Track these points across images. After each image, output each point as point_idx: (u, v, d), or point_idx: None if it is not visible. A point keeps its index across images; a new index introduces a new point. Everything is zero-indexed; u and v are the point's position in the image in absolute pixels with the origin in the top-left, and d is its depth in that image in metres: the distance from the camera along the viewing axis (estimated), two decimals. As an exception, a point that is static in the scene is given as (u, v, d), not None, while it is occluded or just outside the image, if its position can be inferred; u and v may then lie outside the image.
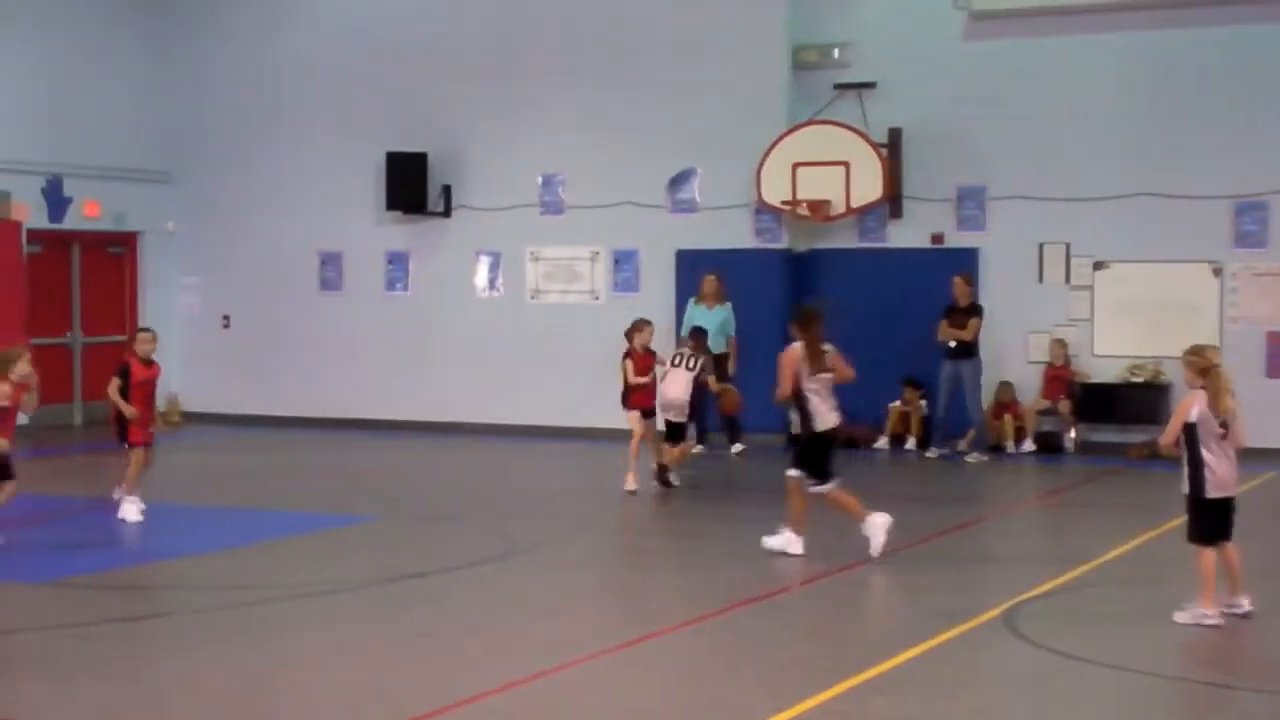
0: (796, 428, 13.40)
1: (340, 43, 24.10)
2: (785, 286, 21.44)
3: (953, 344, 19.95)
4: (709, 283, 20.79)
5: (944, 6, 21.05)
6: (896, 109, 21.15)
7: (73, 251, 24.51)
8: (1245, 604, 10.82)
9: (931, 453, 20.18)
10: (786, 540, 13.25)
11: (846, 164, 20.78)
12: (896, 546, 13.48)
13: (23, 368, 13.66)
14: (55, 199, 23.74)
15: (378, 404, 23.66)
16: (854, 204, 20.92)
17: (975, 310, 20.11)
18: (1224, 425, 10.58)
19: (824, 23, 21.64)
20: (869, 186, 20.83)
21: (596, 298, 22.54)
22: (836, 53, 21.55)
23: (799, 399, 13.19)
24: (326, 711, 8.73)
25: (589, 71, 22.43)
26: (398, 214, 23.53)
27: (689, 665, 9.83)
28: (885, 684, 9.19)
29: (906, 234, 21.36)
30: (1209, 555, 10.68)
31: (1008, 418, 20.50)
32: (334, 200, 24.12)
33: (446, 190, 23.38)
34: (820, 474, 13.22)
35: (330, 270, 24.38)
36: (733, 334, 20.64)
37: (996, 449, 20.36)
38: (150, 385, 15.61)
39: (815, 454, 13.24)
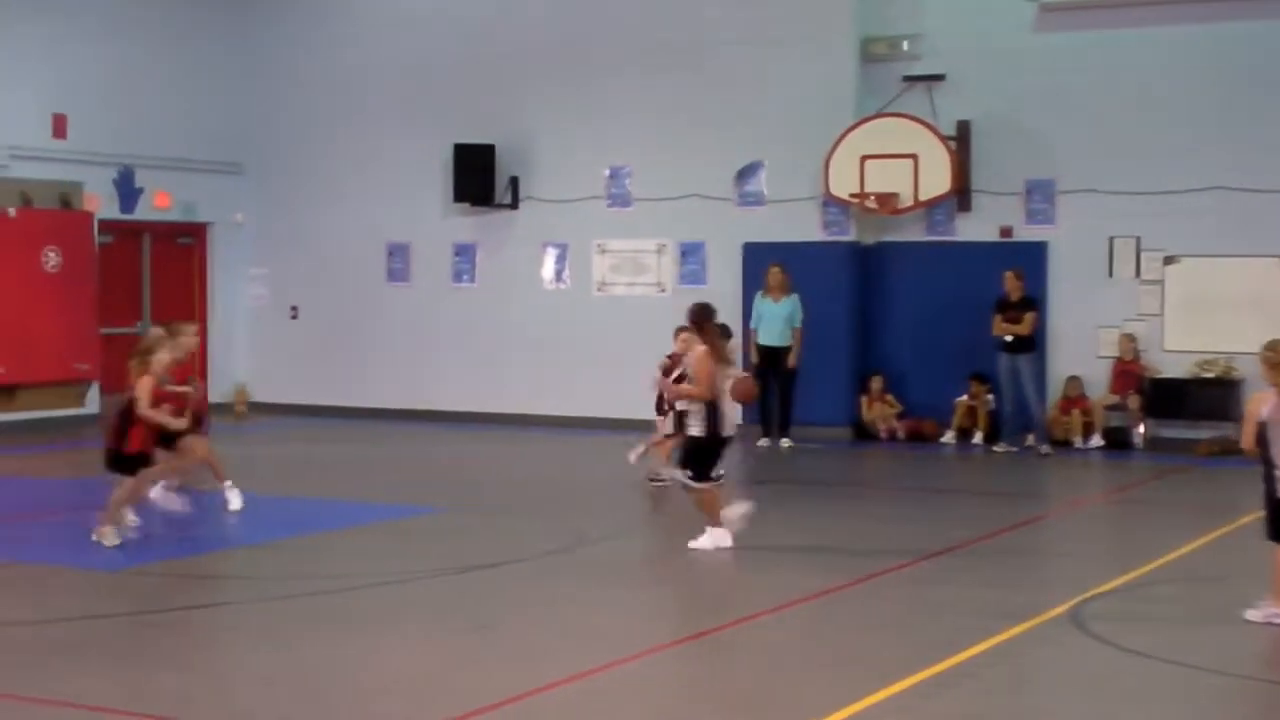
0: (699, 429, 13.14)
1: (410, 35, 24.18)
2: (853, 279, 21.41)
3: (1009, 338, 19.86)
4: (774, 274, 20.79)
5: (1014, -2, 20.95)
6: (965, 101, 21.04)
7: (143, 242, 24.71)
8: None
9: (998, 448, 20.08)
10: (715, 537, 13.18)
11: (915, 157, 20.69)
12: (962, 541, 13.44)
13: (186, 343, 14.05)
14: (126, 190, 23.93)
15: (444, 395, 23.74)
16: (922, 197, 20.83)
17: (1029, 304, 20.00)
18: None
19: (893, 15, 21.55)
20: (937, 179, 20.73)
21: (663, 290, 22.54)
22: (905, 45, 21.46)
23: (711, 401, 13.04)
24: (393, 703, 8.77)
25: (657, 64, 22.41)
26: (465, 206, 23.60)
27: (751, 660, 9.82)
28: (950, 680, 9.15)
29: (975, 227, 21.24)
30: None
31: (1076, 413, 20.36)
32: (402, 192, 24.22)
33: (514, 182, 23.43)
34: (703, 475, 13.11)
35: (398, 262, 24.48)
36: (799, 325, 20.62)
37: (1064, 444, 20.23)
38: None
39: (709, 456, 13.14)
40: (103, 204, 23.45)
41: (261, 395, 25.17)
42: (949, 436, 20.84)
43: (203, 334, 25.21)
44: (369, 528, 14.20)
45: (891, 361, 21.50)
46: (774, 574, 12.42)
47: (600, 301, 23.01)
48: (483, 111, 23.46)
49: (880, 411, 21.20)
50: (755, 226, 21.86)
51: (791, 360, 20.62)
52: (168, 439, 13.91)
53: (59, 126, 22.96)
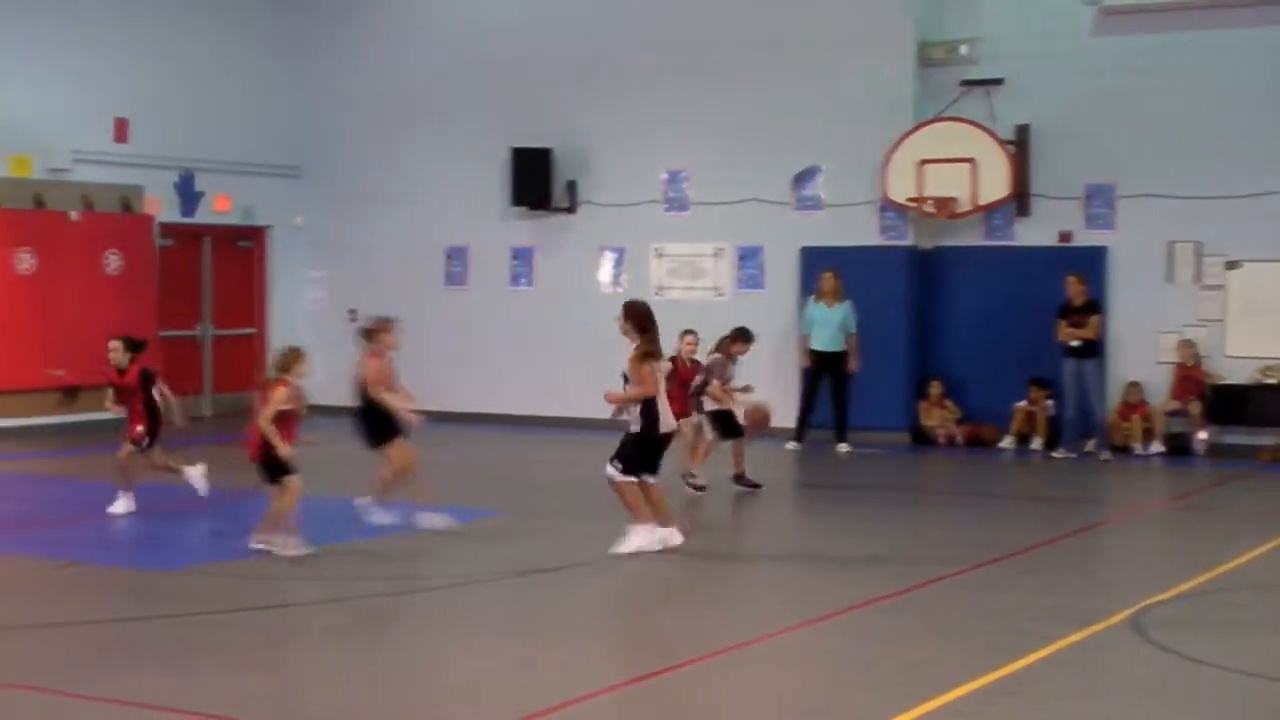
0: (636, 426, 13.07)
1: (468, 40, 24.26)
2: (910, 284, 21.36)
3: (1074, 343, 19.74)
4: (827, 280, 20.81)
5: (1073, 2, 20.82)
6: (1024, 105, 20.96)
7: (203, 245, 24.88)
8: None
9: (1058, 453, 19.97)
10: (640, 538, 13.04)
11: (973, 161, 20.63)
12: (1022, 547, 13.38)
13: (302, 369, 13.28)
14: (187, 193, 24.11)
15: (501, 398, 23.80)
16: (980, 201, 20.77)
17: (1094, 308, 19.90)
18: None
19: (951, 19, 21.49)
20: (996, 184, 20.66)
21: (721, 294, 22.53)
22: (964, 49, 21.40)
23: (650, 399, 12.99)
24: (455, 705, 8.79)
25: (714, 68, 22.41)
26: (523, 209, 23.66)
27: (812, 663, 9.80)
28: (1011, 686, 9.10)
29: (1034, 232, 21.15)
30: None
31: (1136, 418, 20.24)
32: (460, 195, 24.31)
33: (571, 186, 23.47)
34: (631, 469, 13.07)
35: (456, 265, 24.57)
36: (853, 331, 20.59)
37: (1124, 450, 20.10)
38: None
39: (644, 451, 13.12)
40: (163, 207, 23.65)
41: (320, 397, 25.20)
42: (1007, 442, 20.74)
43: (261, 337, 25.49)
44: (429, 531, 14.22)
45: (950, 366, 21.43)
46: (833, 579, 12.38)
47: (657, 305, 22.80)
48: (541, 115, 23.52)
49: (939, 417, 21.13)
50: (813, 231, 21.83)
51: (852, 365, 20.59)
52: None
53: (120, 130, 23.17)
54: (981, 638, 10.41)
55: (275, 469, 12.98)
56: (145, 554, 13.19)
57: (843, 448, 20.48)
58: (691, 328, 17.29)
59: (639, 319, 13.37)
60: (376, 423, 14.33)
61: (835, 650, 10.12)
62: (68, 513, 15.62)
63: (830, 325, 20.72)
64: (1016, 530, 14.61)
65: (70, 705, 8.63)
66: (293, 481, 12.94)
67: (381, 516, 14.32)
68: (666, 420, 13.19)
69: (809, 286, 21.37)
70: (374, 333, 14.66)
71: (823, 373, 20.75)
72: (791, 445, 20.60)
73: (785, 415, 21.35)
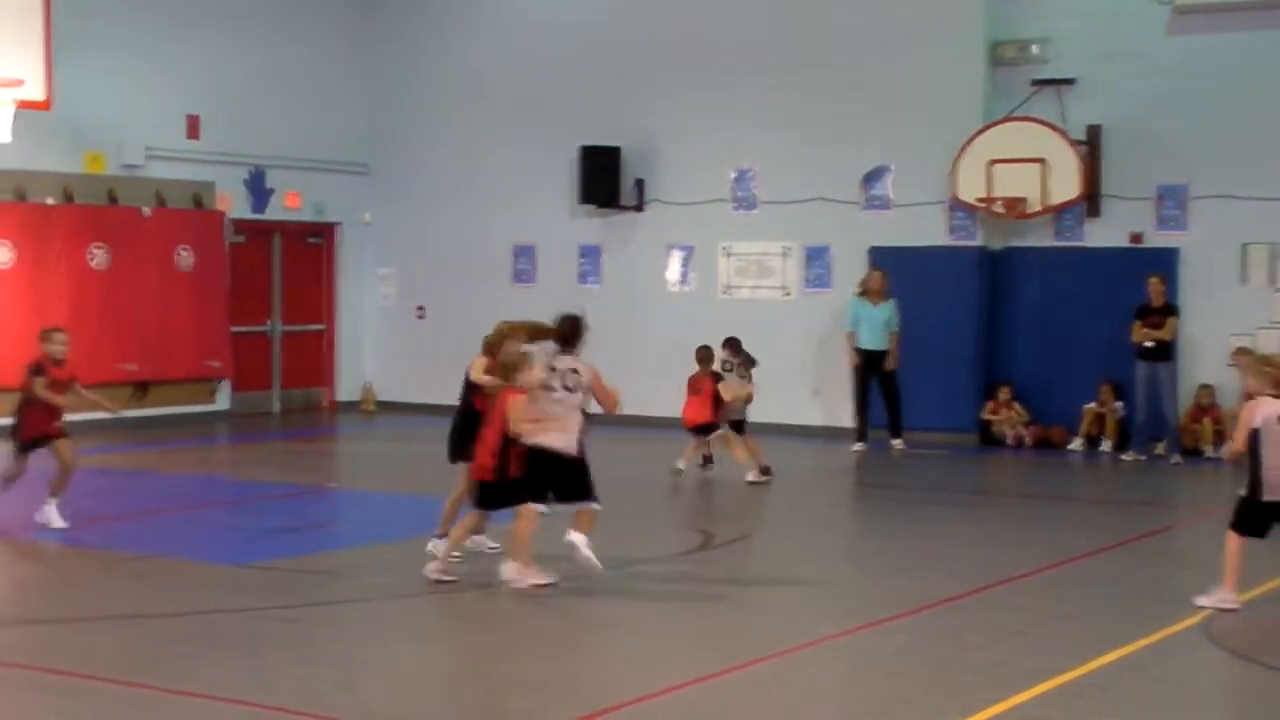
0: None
1: (537, 38, 24.32)
2: (979, 285, 21.26)
3: (1149, 345, 19.60)
4: (874, 278, 20.93)
5: (1146, 1, 20.66)
6: (1096, 105, 20.82)
7: (273, 241, 25.05)
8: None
9: (1127, 455, 19.84)
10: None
11: (1043, 161, 20.51)
12: (1091, 550, 13.31)
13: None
14: (258, 190, 24.29)
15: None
16: (1051, 202, 20.65)
17: (1171, 310, 19.75)
18: None
19: (1022, 18, 21.37)
20: (1066, 184, 20.53)
21: (788, 294, 22.50)
22: (1035, 48, 21.27)
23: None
24: (525, 700, 8.82)
25: (783, 66, 22.37)
26: (591, 207, 23.70)
27: (877, 666, 9.79)
28: (1081, 689, 9.07)
29: (1104, 233, 21.01)
30: (1238, 543, 11.03)
31: (1207, 421, 20.06)
32: (528, 193, 24.37)
33: (639, 184, 23.50)
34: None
35: (523, 262, 24.64)
36: (896, 330, 20.68)
37: (1194, 453, 19.94)
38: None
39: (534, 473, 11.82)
40: (234, 204, 23.82)
41: (388, 394, 25.43)
42: (1076, 444, 20.61)
43: (330, 333, 25.65)
44: (495, 527, 14.26)
45: (1018, 367, 21.32)
46: (900, 580, 12.36)
47: (725, 304, 23.00)
48: (609, 113, 23.55)
49: (1006, 418, 21.03)
50: (881, 230, 21.77)
51: (890, 363, 20.69)
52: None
53: (193, 127, 23.36)
54: (1051, 639, 10.37)
55: (504, 494, 11.70)
56: (218, 548, 13.29)
57: (897, 444, 20.48)
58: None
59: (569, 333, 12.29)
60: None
61: (903, 651, 10.10)
62: (141, 506, 15.77)
63: (876, 324, 20.82)
64: (1085, 533, 14.53)
65: (147, 697, 8.72)
66: (529, 509, 11.60)
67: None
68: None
69: (867, 285, 21.27)
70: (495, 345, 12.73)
71: (870, 370, 20.86)
72: (858, 447, 20.56)
73: (849, 416, 21.42)
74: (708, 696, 8.94)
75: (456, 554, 11.93)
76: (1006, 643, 10.31)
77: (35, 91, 19.64)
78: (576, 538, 11.62)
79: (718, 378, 17.92)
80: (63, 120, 20.89)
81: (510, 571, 11.50)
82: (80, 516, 14.71)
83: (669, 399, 23.07)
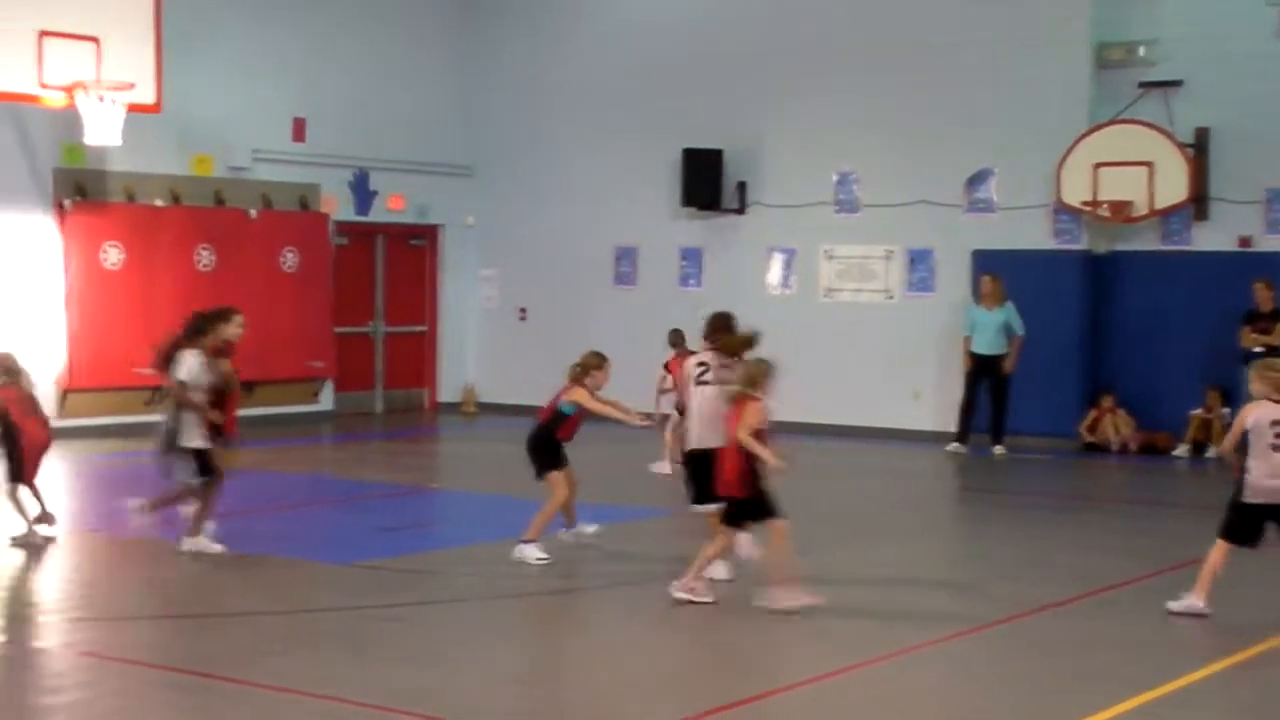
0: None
1: (639, 41, 24.36)
2: (1083, 289, 21.07)
3: (1257, 350, 19.34)
4: (986, 283, 20.83)
5: (1255, 3, 20.40)
6: (1204, 108, 20.56)
7: (377, 243, 25.24)
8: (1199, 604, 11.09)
9: (1234, 462, 19.57)
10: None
11: (1150, 164, 20.29)
12: (1196, 558, 13.14)
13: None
14: (361, 192, 24.48)
15: (668, 399, 23.78)
16: (1157, 205, 20.43)
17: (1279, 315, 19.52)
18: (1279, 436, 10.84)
19: (1129, 20, 21.15)
20: (1173, 187, 20.30)
21: (890, 297, 22.40)
22: (1142, 50, 21.03)
23: None
24: (626, 702, 8.85)
25: (886, 69, 22.28)
26: (692, 210, 23.70)
27: (979, 672, 9.73)
28: (1182, 700, 8.99)
29: (1212, 236, 20.75)
30: (1222, 549, 11.06)
31: (1316, 428, 19.75)
32: (630, 196, 24.42)
33: (741, 187, 23.48)
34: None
35: (625, 265, 24.69)
36: (1020, 334, 20.54)
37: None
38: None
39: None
40: (339, 206, 24.04)
41: (490, 396, 25.55)
42: (1181, 450, 20.37)
43: (432, 335, 25.83)
44: (597, 530, 14.29)
45: (1123, 372, 21.09)
46: (998, 585, 12.28)
47: (826, 308, 22.93)
48: (711, 116, 23.54)
49: (1110, 423, 20.82)
50: (984, 234, 21.62)
51: (1008, 366, 20.54)
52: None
53: (298, 130, 23.59)
54: (1152, 649, 10.27)
55: (756, 509, 11.26)
56: (323, 547, 13.41)
57: (998, 450, 20.38)
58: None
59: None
60: (545, 450, 13.25)
61: (1002, 657, 10.04)
62: (247, 505, 15.93)
63: (989, 328, 20.68)
64: (1189, 540, 14.34)
65: (254, 694, 8.83)
66: (778, 523, 11.19)
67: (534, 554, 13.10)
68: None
69: (979, 290, 21.18)
70: (588, 368, 13.59)
71: (982, 375, 20.72)
72: (953, 446, 20.52)
73: (953, 418, 21.30)
74: (808, 700, 8.92)
75: (724, 576, 11.78)
76: (1109, 650, 10.21)
77: (145, 95, 19.91)
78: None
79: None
80: (171, 123, 21.17)
81: (782, 597, 11.02)
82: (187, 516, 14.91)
83: (771, 401, 23.07)
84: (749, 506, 11.20)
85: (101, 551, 13.51)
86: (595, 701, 8.91)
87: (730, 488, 11.21)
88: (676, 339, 18.50)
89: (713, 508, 11.75)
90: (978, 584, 12.53)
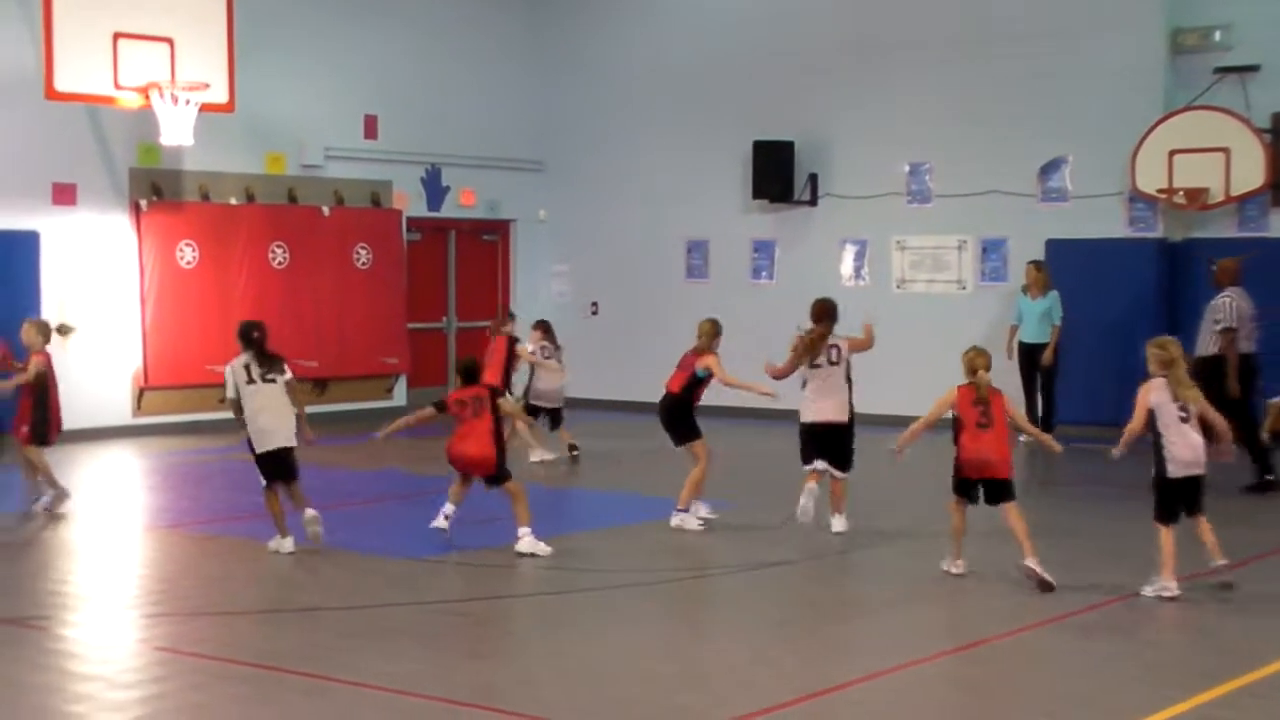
0: None
1: (710, 33, 24.34)
2: (1159, 277, 20.87)
3: None
4: (1029, 272, 20.80)
5: (1333, -14, 20.18)
6: (1281, 93, 20.36)
7: (449, 238, 25.34)
8: (1218, 562, 11.51)
9: (1315, 450, 19.34)
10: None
11: (1226, 150, 20.07)
12: (1273, 548, 13.00)
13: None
14: (434, 188, 24.58)
15: (741, 392, 23.74)
16: (1233, 192, 20.21)
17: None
18: (1184, 410, 11.40)
19: (1204, 4, 20.92)
20: (1250, 174, 20.08)
21: (964, 287, 22.27)
22: (1218, 35, 20.79)
23: None
24: (691, 696, 8.84)
25: (957, 57, 22.16)
26: (764, 202, 23.66)
27: (1054, 661, 9.66)
28: (1262, 690, 8.89)
29: (1289, 222, 20.55)
30: (1167, 533, 11.39)
31: (1397, 416, 19.49)
32: (701, 188, 24.40)
33: (813, 179, 23.41)
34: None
35: (696, 258, 24.67)
36: (1058, 323, 20.52)
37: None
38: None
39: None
40: (411, 202, 24.15)
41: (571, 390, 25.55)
42: (1265, 438, 20.07)
43: (506, 329, 25.87)
44: (661, 523, 14.30)
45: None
46: (1070, 577, 12.16)
47: (900, 298, 22.83)
48: (783, 108, 23.49)
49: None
50: (1058, 223, 21.46)
51: (1047, 357, 20.51)
52: None
53: (370, 127, 23.71)
54: (1232, 639, 10.16)
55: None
56: (394, 542, 13.47)
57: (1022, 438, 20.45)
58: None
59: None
60: (685, 419, 14.59)
61: (1077, 648, 9.96)
62: (321, 500, 16.01)
63: (1033, 317, 20.70)
64: (1267, 529, 14.21)
65: (325, 688, 8.88)
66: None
67: (693, 520, 14.16)
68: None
69: (1055, 279, 21.01)
70: (715, 335, 15.06)
71: (1028, 363, 20.77)
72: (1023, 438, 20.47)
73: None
74: (875, 695, 8.88)
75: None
76: (1184, 641, 10.12)
77: (219, 94, 20.10)
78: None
79: (514, 340, 18.69)
80: (245, 122, 21.34)
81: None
82: (258, 510, 15.02)
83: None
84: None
85: (177, 547, 13.62)
86: (660, 695, 8.90)
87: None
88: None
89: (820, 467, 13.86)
90: (1055, 576, 12.44)
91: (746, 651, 9.86)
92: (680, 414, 14.50)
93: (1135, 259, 20.90)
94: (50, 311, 19.41)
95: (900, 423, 21.86)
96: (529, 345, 18.84)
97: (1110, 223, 21.19)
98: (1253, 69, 20.47)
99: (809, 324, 14.22)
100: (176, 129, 19.52)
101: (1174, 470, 11.43)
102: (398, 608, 11.05)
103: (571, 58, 25.71)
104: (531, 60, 25.84)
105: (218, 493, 16.56)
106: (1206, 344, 16.66)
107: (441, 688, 8.85)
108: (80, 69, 19.06)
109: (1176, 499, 11.52)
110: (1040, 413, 20.60)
